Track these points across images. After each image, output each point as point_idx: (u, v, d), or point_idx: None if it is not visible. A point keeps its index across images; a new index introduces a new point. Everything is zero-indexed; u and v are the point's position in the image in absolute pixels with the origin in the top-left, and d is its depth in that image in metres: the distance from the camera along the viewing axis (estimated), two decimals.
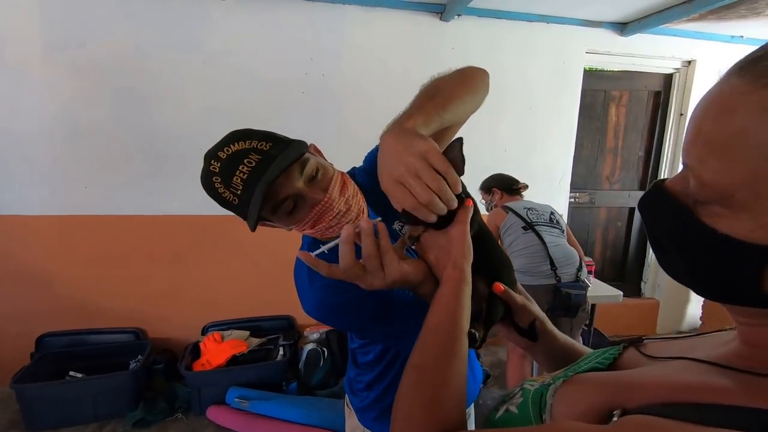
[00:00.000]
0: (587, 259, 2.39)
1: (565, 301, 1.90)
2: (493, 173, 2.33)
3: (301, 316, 2.70)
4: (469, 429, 0.48)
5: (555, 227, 2.14)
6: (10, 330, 2.35)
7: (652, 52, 2.85)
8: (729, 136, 0.31)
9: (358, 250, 0.56)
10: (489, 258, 0.64)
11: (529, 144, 2.82)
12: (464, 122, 0.79)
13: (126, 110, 2.29)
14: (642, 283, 3.40)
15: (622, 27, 2.69)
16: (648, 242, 3.25)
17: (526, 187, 2.28)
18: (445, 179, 0.51)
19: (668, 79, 3.05)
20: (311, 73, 2.43)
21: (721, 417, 0.31)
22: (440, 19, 2.49)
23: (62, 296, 2.39)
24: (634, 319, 3.27)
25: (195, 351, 2.40)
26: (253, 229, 0.68)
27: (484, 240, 0.63)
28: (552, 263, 1.97)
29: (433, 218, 0.52)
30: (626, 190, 3.22)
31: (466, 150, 0.56)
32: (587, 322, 2.33)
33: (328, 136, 2.47)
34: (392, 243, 0.60)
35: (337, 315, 0.74)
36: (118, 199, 2.37)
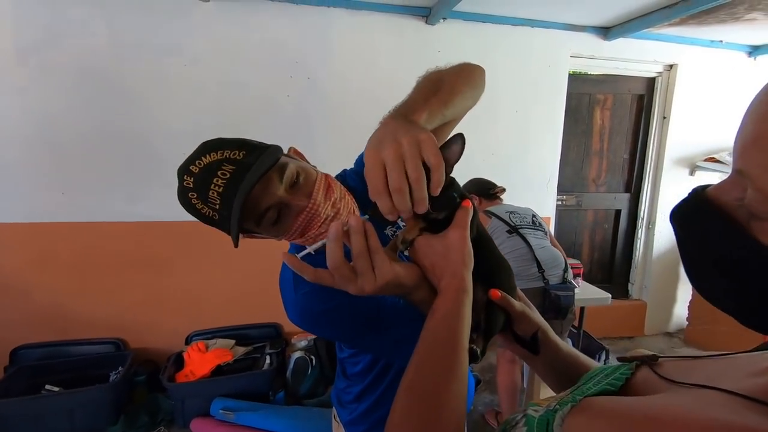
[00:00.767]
0: (575, 261, 2.40)
1: (555, 304, 1.89)
2: (470, 178, 2.30)
3: (289, 324, 2.63)
4: None
5: (538, 229, 2.14)
6: None
7: (635, 56, 2.89)
8: None
9: (347, 253, 0.52)
10: (489, 264, 0.60)
11: (517, 147, 2.82)
12: (461, 119, 0.76)
13: (105, 114, 2.23)
14: (629, 285, 3.43)
15: (606, 31, 2.73)
16: (634, 244, 3.29)
17: (503, 190, 2.27)
18: (429, 176, 0.48)
19: (651, 82, 3.10)
20: (296, 76, 2.40)
21: None
22: (426, 22, 2.49)
23: (38, 306, 2.30)
24: (622, 320, 3.30)
25: (178, 361, 2.33)
26: (236, 245, 0.64)
27: (484, 244, 0.59)
28: (539, 266, 1.97)
29: (392, 216, 0.48)
30: (612, 193, 3.25)
31: None
32: (575, 324, 2.33)
33: (313, 140, 2.44)
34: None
35: (323, 324, 0.71)
36: (97, 206, 2.30)
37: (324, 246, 0.52)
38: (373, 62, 2.48)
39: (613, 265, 3.40)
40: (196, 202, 0.63)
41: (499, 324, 0.61)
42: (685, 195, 0.37)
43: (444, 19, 2.47)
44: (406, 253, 0.59)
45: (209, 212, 0.63)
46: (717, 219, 0.32)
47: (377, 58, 2.48)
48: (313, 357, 2.46)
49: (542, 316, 0.65)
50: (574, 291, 2.00)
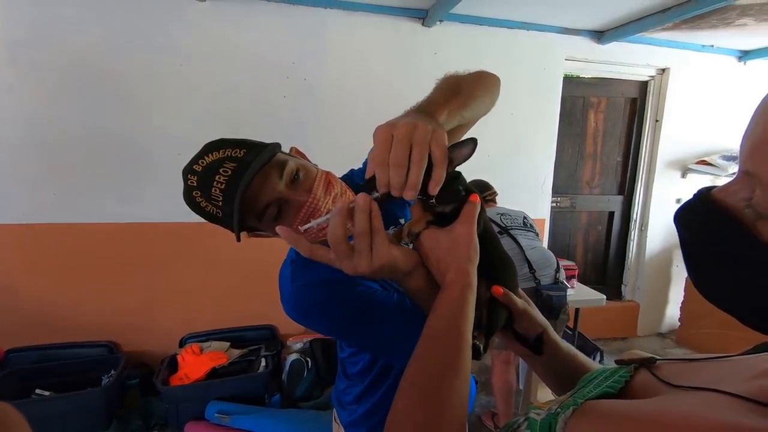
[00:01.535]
0: (570, 263, 2.42)
1: (547, 304, 1.91)
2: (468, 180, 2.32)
3: (284, 326, 2.64)
4: None
5: (529, 231, 2.15)
6: None
7: (628, 60, 2.92)
8: None
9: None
10: (493, 260, 0.60)
11: (512, 149, 2.84)
12: (473, 124, 0.78)
13: (97, 114, 2.20)
14: (622, 286, 3.46)
15: (600, 35, 2.76)
16: (627, 246, 3.33)
17: (496, 194, 2.29)
18: (431, 169, 0.48)
19: (644, 86, 3.13)
20: (293, 77, 2.39)
21: None
22: (422, 24, 2.49)
23: (29, 309, 2.26)
24: (615, 321, 3.32)
25: (172, 364, 2.30)
26: (238, 240, 0.67)
27: (489, 240, 0.59)
28: (530, 266, 1.98)
29: (383, 189, 0.48)
30: (606, 195, 3.28)
31: None
32: (570, 325, 2.35)
33: (309, 140, 2.43)
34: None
35: (317, 316, 0.71)
36: (90, 207, 2.27)
37: (327, 222, 0.52)
38: (369, 63, 2.48)
39: (606, 267, 3.43)
40: (200, 200, 0.64)
41: (501, 321, 0.60)
42: (690, 197, 0.37)
43: (440, 21, 2.48)
44: (411, 246, 0.59)
45: (213, 210, 0.64)
46: (724, 220, 0.32)
47: (374, 60, 2.48)
48: (309, 359, 2.44)
49: None
50: (566, 291, 2.02)
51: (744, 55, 3.04)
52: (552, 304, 1.93)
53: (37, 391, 2.09)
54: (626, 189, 3.30)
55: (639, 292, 3.38)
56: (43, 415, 1.98)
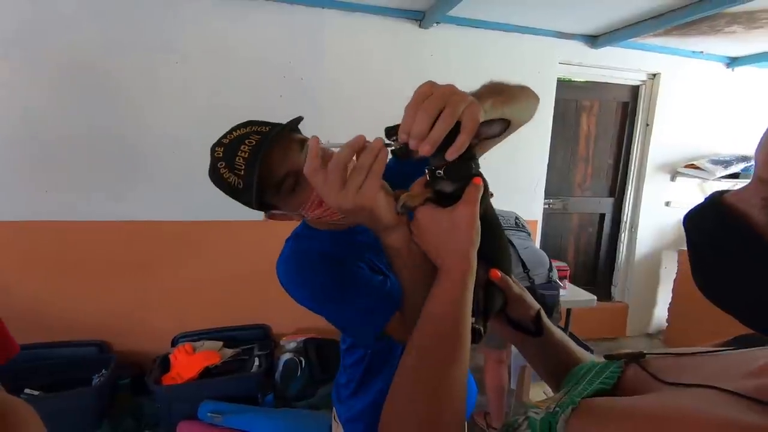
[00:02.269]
0: (562, 263, 2.45)
1: (541, 303, 1.93)
2: None
3: (278, 325, 2.63)
4: None
5: (522, 230, 2.18)
6: None
7: (621, 65, 2.96)
8: None
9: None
10: (493, 244, 0.59)
11: (506, 151, 2.83)
12: (514, 130, 0.78)
13: (91, 110, 2.17)
14: (612, 287, 3.51)
15: (593, 40, 2.79)
16: (617, 247, 3.38)
17: (491, 195, 2.30)
18: (454, 137, 0.48)
19: (635, 90, 3.18)
20: (289, 76, 2.38)
21: None
22: (419, 26, 2.50)
23: (18, 307, 2.21)
24: (604, 322, 3.37)
25: (164, 364, 2.28)
26: (256, 206, 0.70)
27: (489, 223, 0.58)
28: (524, 266, 2.00)
29: (404, 137, 0.48)
30: (597, 197, 3.33)
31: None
32: (561, 325, 2.38)
33: None
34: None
35: (299, 284, 0.77)
36: (82, 205, 2.24)
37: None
38: (366, 64, 2.48)
39: (597, 268, 3.48)
40: (223, 171, 0.67)
41: (497, 304, 0.61)
42: (702, 200, 0.37)
43: (437, 23, 2.49)
44: (399, 210, 0.58)
45: (235, 180, 0.67)
46: (735, 224, 0.32)
47: (370, 60, 2.49)
48: (302, 358, 2.44)
49: None
50: (558, 290, 2.05)
51: (732, 62, 3.11)
52: (546, 303, 1.96)
53: (27, 390, 2.06)
54: (617, 191, 3.35)
55: (628, 293, 3.43)
56: None
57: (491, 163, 2.88)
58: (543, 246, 3.15)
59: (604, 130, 3.23)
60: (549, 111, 2.90)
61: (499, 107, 0.62)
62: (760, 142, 0.31)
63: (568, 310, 2.40)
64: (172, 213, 2.36)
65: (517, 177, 2.91)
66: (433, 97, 0.47)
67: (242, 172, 0.66)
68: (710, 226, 0.35)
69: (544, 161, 2.98)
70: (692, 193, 3.31)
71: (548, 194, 3.09)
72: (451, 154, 0.49)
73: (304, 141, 0.71)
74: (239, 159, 0.66)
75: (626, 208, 3.35)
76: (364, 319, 0.71)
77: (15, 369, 2.14)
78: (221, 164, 0.68)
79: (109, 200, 2.27)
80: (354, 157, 0.51)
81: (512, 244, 2.05)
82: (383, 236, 0.57)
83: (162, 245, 2.39)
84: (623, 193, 3.34)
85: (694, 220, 0.37)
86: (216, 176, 0.69)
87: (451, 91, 0.48)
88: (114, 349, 2.39)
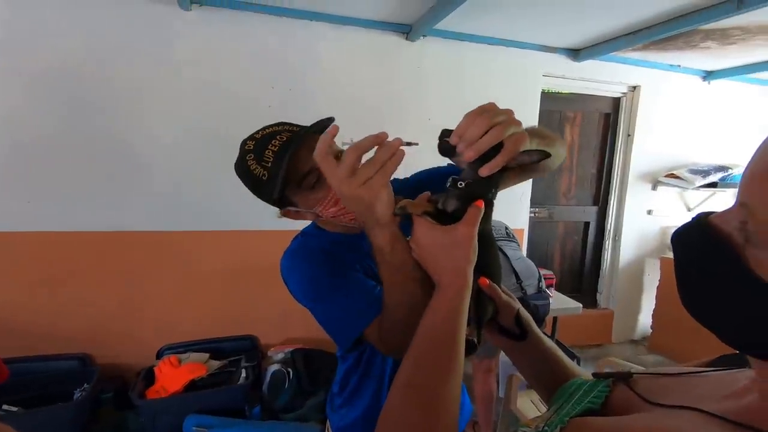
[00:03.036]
0: (548, 271, 2.48)
1: (533, 314, 1.95)
2: None
3: (265, 336, 2.61)
4: None
5: (512, 241, 2.21)
6: None
7: (602, 77, 3.05)
8: None
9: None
10: (486, 257, 0.61)
11: None
12: (542, 174, 0.83)
13: (77, 120, 2.15)
14: (597, 294, 3.56)
15: (575, 53, 2.87)
16: (602, 255, 3.44)
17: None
18: (493, 155, 0.53)
19: (616, 102, 3.27)
20: (278, 87, 2.40)
21: None
22: (406, 39, 2.54)
23: None
24: (590, 329, 3.42)
25: (149, 377, 2.24)
26: (276, 200, 0.73)
27: (486, 237, 0.61)
28: (517, 277, 2.03)
29: (455, 139, 0.53)
30: (582, 206, 3.39)
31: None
32: (548, 333, 2.40)
33: None
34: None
35: (296, 280, 0.79)
36: (65, 215, 2.20)
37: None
38: (354, 76, 2.51)
39: (582, 275, 3.53)
40: (251, 163, 0.72)
41: (488, 313, 0.63)
42: (689, 220, 0.38)
43: (424, 36, 2.54)
44: (397, 211, 0.61)
45: (260, 172, 0.71)
46: (717, 244, 0.34)
47: (359, 72, 2.52)
48: (290, 370, 2.41)
49: None
50: (549, 300, 2.08)
51: (708, 75, 3.22)
52: (538, 313, 1.98)
53: (4, 406, 2.00)
54: (600, 200, 3.42)
55: (613, 300, 3.49)
56: None
57: None
58: (530, 254, 3.19)
59: (587, 141, 3.31)
60: (534, 121, 2.96)
61: (542, 147, 0.66)
62: (746, 166, 0.33)
63: (555, 318, 2.43)
64: (157, 223, 2.34)
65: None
66: (492, 113, 0.53)
67: (269, 164, 0.70)
68: (695, 246, 0.37)
69: None
70: (673, 202, 3.40)
71: (534, 203, 3.15)
72: (485, 171, 0.53)
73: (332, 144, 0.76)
74: (269, 152, 0.71)
75: (610, 216, 3.42)
76: (346, 318, 0.73)
77: None
78: (250, 156, 0.72)
79: (92, 210, 2.24)
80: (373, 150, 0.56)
81: (505, 255, 2.07)
82: (372, 232, 0.59)
83: (147, 256, 2.36)
84: (607, 202, 3.41)
85: (681, 238, 0.38)
86: (243, 167, 0.73)
87: (509, 113, 0.54)
88: (96, 363, 2.34)
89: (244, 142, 0.75)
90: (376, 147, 0.56)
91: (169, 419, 2.07)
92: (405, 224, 0.61)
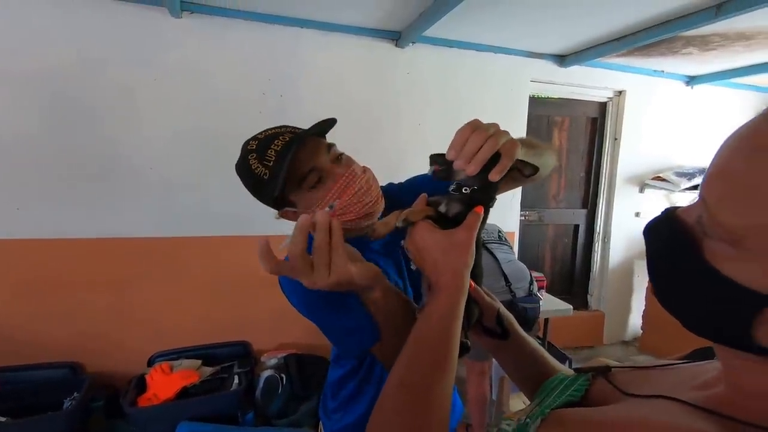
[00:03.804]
0: (539, 274, 2.51)
1: (521, 316, 1.97)
2: None
3: (258, 341, 2.60)
4: None
5: (504, 244, 2.23)
6: None
7: (588, 82, 3.11)
8: (756, 177, 0.29)
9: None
10: (477, 262, 0.64)
11: None
12: (533, 181, 0.83)
13: (67, 126, 2.15)
14: (588, 296, 3.60)
15: (562, 59, 2.93)
16: (591, 257, 3.48)
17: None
18: (491, 166, 0.55)
19: (603, 106, 3.34)
20: (269, 93, 2.42)
21: None
22: (396, 45, 2.58)
23: None
24: (582, 330, 3.45)
25: (140, 385, 2.22)
26: (276, 199, 0.74)
27: (477, 246, 0.63)
28: (506, 279, 2.05)
29: (452, 155, 0.54)
30: (571, 208, 3.44)
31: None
32: (540, 335, 2.43)
33: None
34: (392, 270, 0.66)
35: (298, 292, 0.76)
36: (55, 222, 2.19)
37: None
38: (344, 82, 2.54)
39: (573, 277, 3.57)
40: (252, 162, 0.73)
41: (475, 314, 0.65)
42: (659, 213, 0.41)
43: (413, 42, 2.58)
44: (403, 246, 0.62)
45: (262, 171, 0.72)
46: (677, 235, 0.36)
47: (349, 78, 2.55)
48: (283, 375, 2.41)
49: None
50: (539, 303, 2.10)
51: (691, 80, 3.30)
52: (527, 316, 2.00)
53: None
54: (589, 203, 3.47)
55: (604, 302, 3.53)
56: None
57: None
58: (521, 257, 3.22)
59: (576, 145, 3.37)
60: (522, 126, 3.01)
61: (530, 155, 0.68)
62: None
63: (546, 320, 2.45)
64: (148, 229, 2.33)
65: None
66: (483, 127, 0.54)
67: (271, 164, 0.71)
68: (663, 238, 0.39)
69: None
70: (660, 204, 3.46)
71: (524, 206, 3.19)
72: (495, 176, 0.55)
73: (332, 145, 0.78)
74: (271, 151, 0.72)
75: (599, 219, 3.47)
76: (353, 336, 0.73)
77: None
78: (252, 155, 0.73)
79: (82, 217, 2.23)
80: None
81: (495, 258, 2.10)
82: (362, 294, 0.63)
83: (137, 262, 2.35)
84: (595, 205, 3.46)
85: (651, 231, 0.41)
86: (244, 167, 0.74)
87: (497, 126, 0.56)
88: (87, 371, 2.31)
89: (246, 143, 0.77)
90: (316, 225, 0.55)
91: (161, 426, 2.05)
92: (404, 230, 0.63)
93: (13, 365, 2.18)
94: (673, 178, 3.21)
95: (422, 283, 0.66)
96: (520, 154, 0.59)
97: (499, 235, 2.26)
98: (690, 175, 3.20)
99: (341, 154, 0.78)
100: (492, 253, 2.10)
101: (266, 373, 2.40)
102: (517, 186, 0.83)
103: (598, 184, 3.43)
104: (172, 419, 2.07)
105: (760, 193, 0.29)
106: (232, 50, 2.33)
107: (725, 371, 0.39)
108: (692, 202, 0.37)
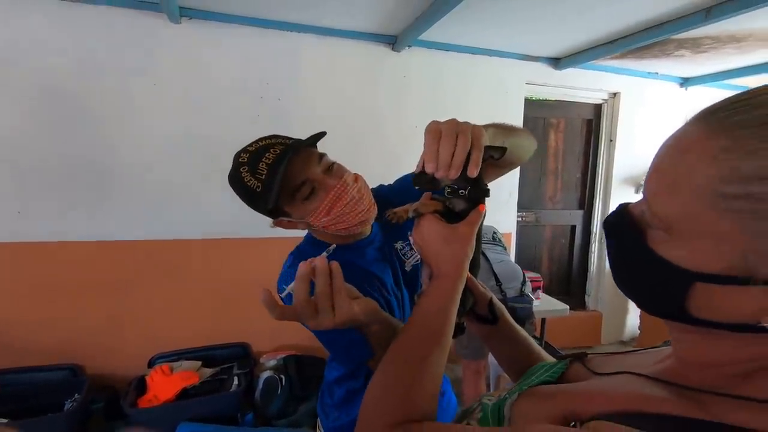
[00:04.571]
0: (535, 275, 2.54)
1: (512, 315, 2.00)
2: None
3: (257, 342, 2.62)
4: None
5: (498, 245, 2.26)
6: None
7: (583, 84, 3.15)
8: (679, 174, 0.35)
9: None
10: (475, 255, 0.67)
11: None
12: (514, 165, 0.86)
13: (66, 131, 2.17)
14: (586, 297, 3.62)
15: (556, 62, 2.97)
16: (588, 258, 3.50)
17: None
18: (469, 158, 0.55)
19: (598, 108, 3.37)
20: (267, 97, 2.44)
21: (659, 425, 0.35)
22: (392, 49, 2.62)
23: None
24: (580, 330, 3.47)
25: (140, 386, 2.24)
26: (270, 210, 0.75)
27: (476, 241, 0.66)
28: (497, 279, 2.08)
29: (431, 167, 0.55)
30: (567, 209, 3.47)
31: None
32: (537, 335, 2.45)
33: None
34: (386, 270, 0.71)
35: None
36: (55, 225, 2.21)
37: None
38: (341, 86, 2.57)
39: (570, 278, 3.59)
40: (245, 175, 0.73)
41: (470, 302, 0.70)
42: (615, 208, 0.46)
43: (409, 46, 2.61)
44: (410, 238, 0.65)
45: (254, 184, 0.73)
46: (627, 226, 0.41)
47: (345, 82, 2.58)
48: (282, 376, 2.43)
49: None
50: (531, 303, 2.12)
51: (685, 82, 3.34)
52: (517, 316, 2.02)
53: None
54: (586, 204, 3.50)
55: (602, 302, 3.55)
56: None
57: None
58: (518, 258, 3.25)
59: (571, 146, 3.40)
60: None
61: (500, 137, 0.70)
62: None
63: (543, 320, 2.47)
64: (146, 232, 2.36)
65: (491, 191, 3.01)
66: (446, 132, 0.55)
67: (263, 176, 0.72)
68: (616, 229, 0.44)
69: (516, 175, 3.10)
70: None
71: (521, 207, 3.21)
72: (473, 171, 0.56)
73: (323, 155, 0.79)
74: (262, 165, 0.72)
75: (595, 219, 3.50)
76: (351, 351, 0.75)
77: None
78: (244, 168, 0.74)
79: (82, 221, 2.25)
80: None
81: (486, 258, 2.12)
82: (365, 330, 0.66)
83: (137, 265, 2.37)
84: (592, 206, 3.49)
85: (608, 223, 0.45)
86: (236, 179, 0.75)
87: (456, 122, 0.56)
88: (87, 373, 2.33)
89: (237, 155, 0.76)
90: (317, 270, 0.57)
91: (162, 427, 2.07)
92: (408, 223, 0.66)
93: (14, 367, 2.20)
94: None
95: (422, 272, 0.69)
96: (488, 139, 0.60)
97: (493, 236, 2.29)
98: None
99: (333, 164, 0.79)
100: (483, 253, 2.13)
101: (265, 374, 2.42)
102: (501, 172, 0.85)
103: (594, 185, 3.46)
104: (172, 420, 2.09)
105: (682, 187, 0.35)
106: (230, 55, 2.36)
107: (674, 345, 0.44)
108: (641, 198, 0.42)
